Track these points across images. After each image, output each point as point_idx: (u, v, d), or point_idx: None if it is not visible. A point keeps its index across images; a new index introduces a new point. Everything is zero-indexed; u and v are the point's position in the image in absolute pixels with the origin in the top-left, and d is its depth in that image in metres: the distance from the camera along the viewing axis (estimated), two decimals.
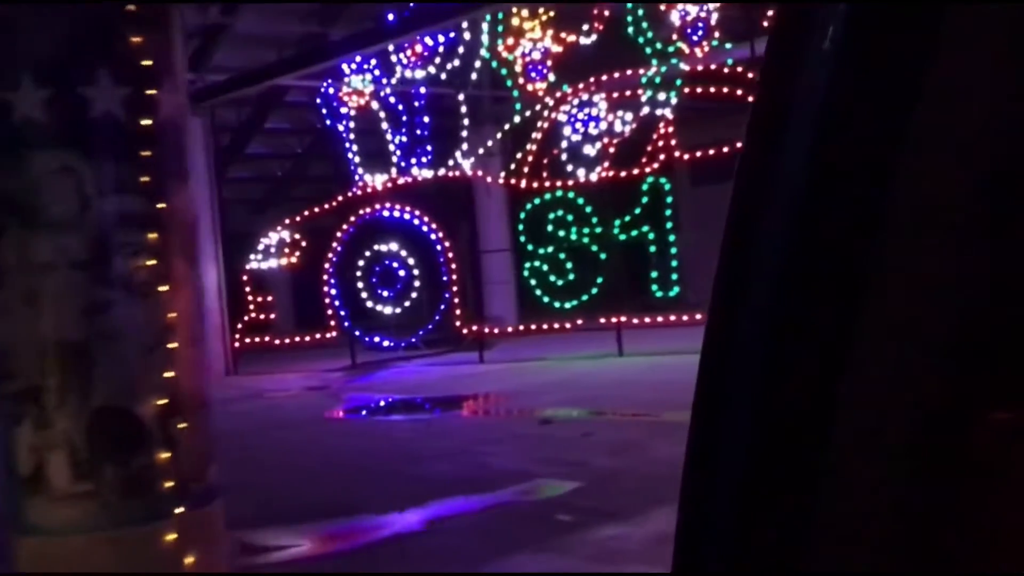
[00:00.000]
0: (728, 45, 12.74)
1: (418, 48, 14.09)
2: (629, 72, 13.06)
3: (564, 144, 13.44)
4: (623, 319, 13.03)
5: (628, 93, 13.12)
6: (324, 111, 14.83)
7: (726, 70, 12.71)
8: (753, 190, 0.81)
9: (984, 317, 0.74)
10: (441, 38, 13.88)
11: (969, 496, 0.75)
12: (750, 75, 12.36)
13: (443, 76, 14.09)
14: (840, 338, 0.75)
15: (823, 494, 0.76)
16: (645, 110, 13.00)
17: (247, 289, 15.23)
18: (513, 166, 13.85)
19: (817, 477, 0.76)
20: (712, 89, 12.72)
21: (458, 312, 13.99)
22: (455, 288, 13.99)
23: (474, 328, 13.85)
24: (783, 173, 0.78)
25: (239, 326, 15.19)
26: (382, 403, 10.83)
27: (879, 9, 0.75)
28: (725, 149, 12.61)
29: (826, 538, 0.77)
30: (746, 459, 0.81)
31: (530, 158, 13.73)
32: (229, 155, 16.62)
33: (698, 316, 12.73)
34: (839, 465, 0.76)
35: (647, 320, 13.10)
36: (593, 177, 13.23)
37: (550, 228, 13.59)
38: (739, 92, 12.74)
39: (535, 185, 13.63)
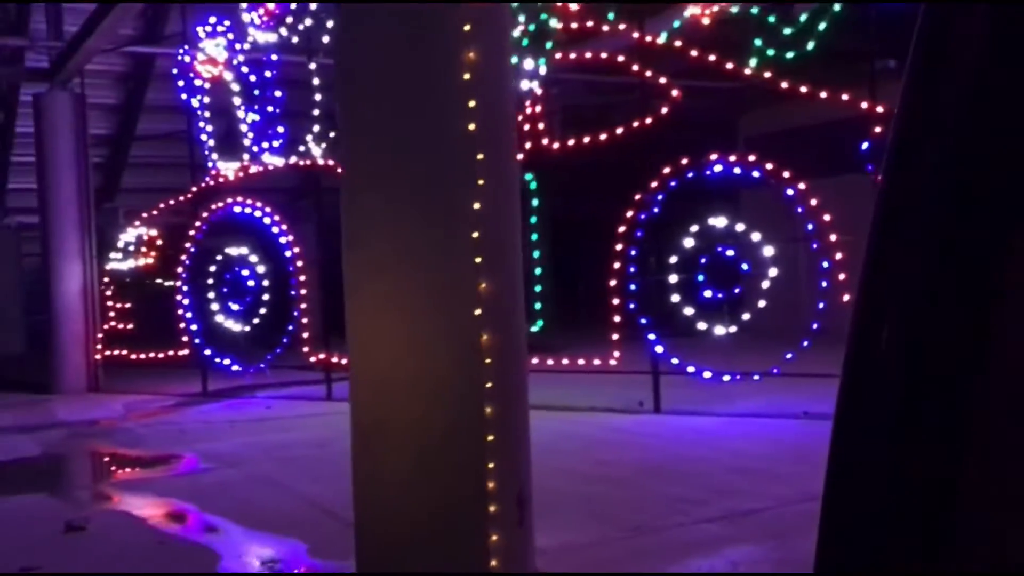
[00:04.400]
0: None
1: (271, 4, 11.35)
2: None
3: None
4: None
5: None
6: (181, 84, 12.33)
7: (606, 28, 9.31)
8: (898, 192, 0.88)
9: None
10: None
11: None
12: (636, 35, 8.96)
13: (295, 40, 11.30)
14: (978, 334, 0.81)
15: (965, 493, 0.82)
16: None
17: (107, 294, 13.08)
18: None
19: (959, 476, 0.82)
20: (590, 55, 9.39)
21: (306, 335, 11.27)
22: (305, 305, 11.27)
23: (321, 356, 11.10)
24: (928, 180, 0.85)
25: (99, 336, 13.08)
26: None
27: None
28: (603, 136, 9.29)
29: (969, 535, 0.81)
30: (890, 453, 0.87)
31: None
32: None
33: (564, 361, 9.58)
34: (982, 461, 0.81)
35: None
36: None
37: None
38: (623, 58, 9.35)
39: None
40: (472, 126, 4.13)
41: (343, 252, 4.53)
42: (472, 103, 4.13)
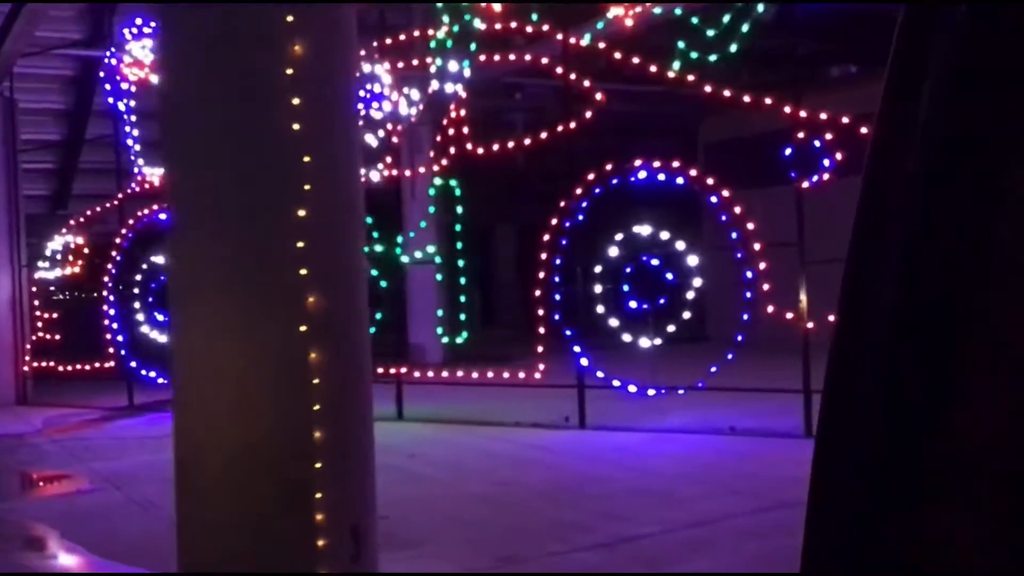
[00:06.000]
0: None
1: None
2: (416, 32, 9.52)
3: None
4: (403, 371, 9.65)
5: (416, 63, 9.58)
6: (107, 87, 11.97)
7: (530, 29, 8.98)
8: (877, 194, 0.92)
9: None
10: None
11: None
12: (560, 37, 8.64)
13: None
14: (956, 335, 0.83)
15: (942, 484, 0.84)
16: (434, 86, 9.44)
17: (35, 303, 12.70)
18: None
19: (937, 469, 0.84)
20: (513, 56, 9.06)
21: None
22: None
23: None
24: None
25: (27, 347, 12.69)
26: None
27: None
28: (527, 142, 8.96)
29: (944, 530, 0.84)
30: (869, 457, 0.88)
31: None
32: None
33: (489, 374, 9.25)
34: (956, 457, 0.83)
35: (430, 374, 9.67)
36: (375, 177, 9.79)
37: None
38: (547, 60, 9.04)
39: None
40: (296, 126, 3.79)
41: (168, 262, 4.21)
42: (296, 101, 3.79)
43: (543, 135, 8.89)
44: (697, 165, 18.74)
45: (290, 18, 3.79)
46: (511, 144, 9.08)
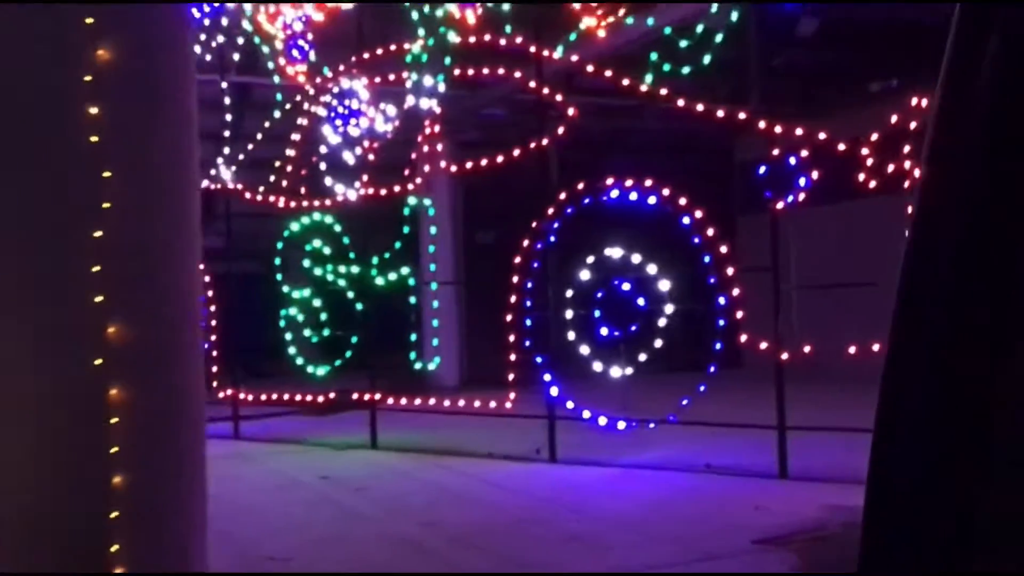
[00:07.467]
0: (506, 5, 8.56)
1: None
2: (393, 47, 9.17)
3: (323, 149, 9.72)
4: (377, 397, 9.26)
5: (392, 77, 9.23)
6: None
7: (504, 42, 8.56)
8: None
9: None
10: (207, 7, 10.54)
11: None
12: (532, 49, 8.22)
13: (207, 57, 10.74)
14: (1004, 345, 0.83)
15: (989, 498, 0.84)
16: (410, 101, 9.09)
17: None
18: (272, 178, 10.26)
19: (984, 481, 0.84)
20: (487, 71, 8.66)
21: (214, 369, 10.64)
22: (214, 337, 10.65)
23: (229, 392, 10.45)
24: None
25: None
26: None
27: None
28: (500, 159, 8.55)
29: (992, 535, 0.84)
30: (926, 457, 0.89)
31: (288, 168, 10.11)
32: None
33: (461, 403, 8.85)
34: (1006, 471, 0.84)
35: (403, 401, 9.27)
36: (352, 196, 9.46)
37: (307, 264, 9.99)
38: (520, 74, 8.63)
39: (292, 204, 10.03)
40: (95, 138, 3.44)
41: None
42: (95, 110, 3.44)
43: (516, 152, 8.46)
44: (732, 184, 18.11)
45: (90, 20, 3.44)
46: (484, 162, 8.66)
